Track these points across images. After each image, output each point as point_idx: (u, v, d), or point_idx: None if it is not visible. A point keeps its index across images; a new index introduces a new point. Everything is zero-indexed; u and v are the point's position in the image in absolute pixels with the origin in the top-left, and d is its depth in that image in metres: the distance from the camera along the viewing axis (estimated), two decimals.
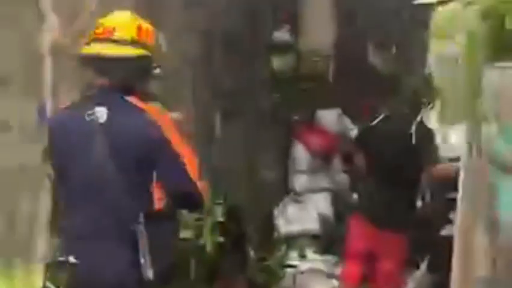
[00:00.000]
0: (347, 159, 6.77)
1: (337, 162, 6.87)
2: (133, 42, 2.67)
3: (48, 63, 3.74)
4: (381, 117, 5.01)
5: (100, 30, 2.68)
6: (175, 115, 2.81)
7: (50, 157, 2.79)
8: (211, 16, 5.38)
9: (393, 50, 7.62)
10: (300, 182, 6.72)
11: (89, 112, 2.63)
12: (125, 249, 2.60)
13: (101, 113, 2.63)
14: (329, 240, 6.41)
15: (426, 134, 4.82)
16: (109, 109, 2.64)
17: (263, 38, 6.10)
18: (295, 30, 7.06)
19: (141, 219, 2.58)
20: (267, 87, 6.40)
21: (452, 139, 5.96)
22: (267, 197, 6.27)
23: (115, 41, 2.66)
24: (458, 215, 2.88)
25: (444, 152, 5.48)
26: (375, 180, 4.92)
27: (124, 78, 2.67)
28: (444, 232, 5.08)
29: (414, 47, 7.44)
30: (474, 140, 2.50)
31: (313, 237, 6.36)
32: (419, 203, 5.69)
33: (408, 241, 4.87)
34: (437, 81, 3.32)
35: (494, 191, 2.16)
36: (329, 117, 6.97)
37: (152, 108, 2.67)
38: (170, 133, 2.64)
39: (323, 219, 6.52)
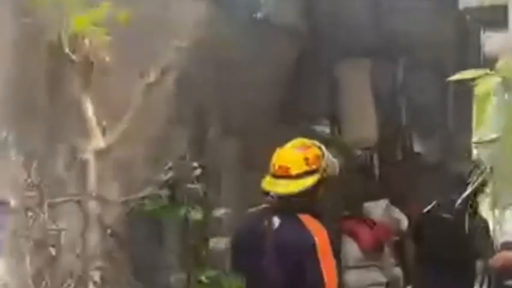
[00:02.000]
0: (399, 250, 6.62)
1: (388, 255, 6.70)
2: (306, 173, 3.23)
3: (92, 168, 3.91)
4: (432, 204, 4.91)
5: (276, 168, 3.29)
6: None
7: (233, 248, 3.55)
8: (250, 111, 5.48)
9: (437, 137, 7.58)
10: (351, 277, 6.55)
11: (267, 220, 3.29)
12: None
13: (275, 222, 3.28)
14: None
15: (479, 222, 4.69)
16: (281, 220, 3.27)
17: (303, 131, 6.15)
18: (336, 123, 7.11)
19: None
20: None
21: (506, 225, 5.79)
22: None
23: (290, 177, 3.23)
24: None
25: (498, 237, 5.32)
26: (428, 271, 4.77)
27: (298, 201, 3.26)
28: None
29: (459, 132, 7.41)
30: None
31: None
32: None
33: None
34: (485, 165, 3.25)
35: None
36: (377, 209, 6.87)
37: (315, 226, 3.22)
38: (322, 251, 3.16)
39: None
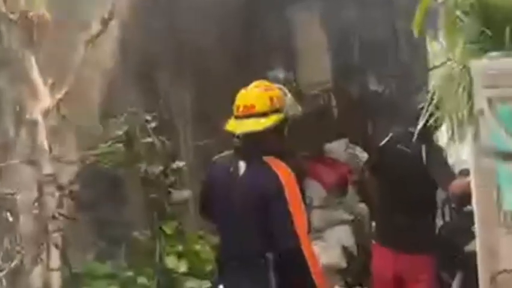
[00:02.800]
0: (362, 187, 6.66)
1: (352, 193, 6.74)
2: (270, 112, 3.25)
3: (42, 128, 3.81)
4: (388, 137, 4.88)
5: (241, 109, 3.27)
6: None
7: (202, 189, 3.50)
8: (202, 58, 5.38)
9: (393, 73, 7.58)
10: (318, 217, 6.59)
11: (233, 165, 3.30)
12: (256, 273, 3.25)
13: (241, 167, 3.28)
14: (355, 272, 6.25)
15: (436, 151, 4.68)
16: (247, 164, 3.28)
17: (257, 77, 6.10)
18: (291, 67, 7.05)
19: (269, 253, 3.20)
20: None
21: (463, 156, 5.84)
22: None
23: (255, 115, 3.24)
24: (476, 214, 2.78)
25: (457, 168, 5.38)
26: (389, 204, 4.78)
27: (264, 141, 3.26)
28: (469, 247, 4.89)
29: (414, 65, 7.41)
30: (475, 137, 2.42)
31: (339, 271, 6.20)
32: (440, 221, 5.58)
33: (434, 260, 4.71)
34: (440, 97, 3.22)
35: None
36: (338, 148, 6.88)
37: (282, 168, 3.22)
38: (290, 193, 3.18)
39: (346, 252, 6.37)
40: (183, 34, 5.31)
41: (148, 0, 4.81)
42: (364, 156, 6.70)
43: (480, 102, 1.99)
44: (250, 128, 3.25)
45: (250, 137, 3.28)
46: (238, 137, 3.33)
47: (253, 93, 3.32)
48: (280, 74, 6.97)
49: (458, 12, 2.11)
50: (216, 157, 3.51)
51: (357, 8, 7.54)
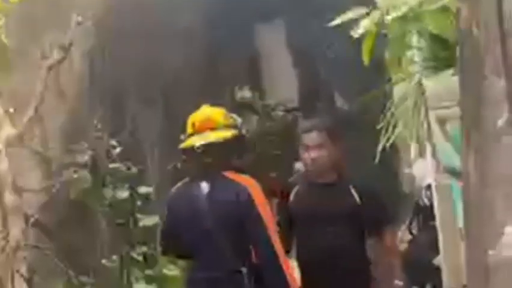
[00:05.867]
0: None
1: None
2: (225, 127, 3.28)
3: (4, 157, 3.77)
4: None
5: (196, 125, 3.27)
6: None
7: (165, 226, 3.44)
8: (168, 82, 5.38)
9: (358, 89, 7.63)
10: None
11: (196, 187, 3.27)
12: None
13: (204, 187, 3.26)
14: None
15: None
16: (210, 184, 3.25)
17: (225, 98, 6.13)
18: (258, 87, 7.09)
19: (244, 267, 3.15)
20: None
21: (415, 171, 5.89)
22: None
23: (213, 129, 3.26)
24: (439, 229, 2.82)
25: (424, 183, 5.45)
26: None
27: (223, 157, 3.26)
28: (436, 261, 4.94)
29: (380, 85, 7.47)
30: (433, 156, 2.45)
31: None
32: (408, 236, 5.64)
33: None
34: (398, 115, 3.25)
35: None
36: None
37: (245, 179, 3.22)
38: (259, 202, 3.15)
39: None
40: (150, 59, 5.31)
41: (114, 25, 4.80)
42: None
43: (431, 120, 2.02)
44: (211, 139, 3.26)
45: (208, 154, 3.26)
46: (196, 159, 3.31)
47: (207, 111, 3.37)
48: (247, 94, 7.01)
49: (408, 38, 2.15)
50: (173, 189, 3.47)
51: (322, 27, 7.61)
